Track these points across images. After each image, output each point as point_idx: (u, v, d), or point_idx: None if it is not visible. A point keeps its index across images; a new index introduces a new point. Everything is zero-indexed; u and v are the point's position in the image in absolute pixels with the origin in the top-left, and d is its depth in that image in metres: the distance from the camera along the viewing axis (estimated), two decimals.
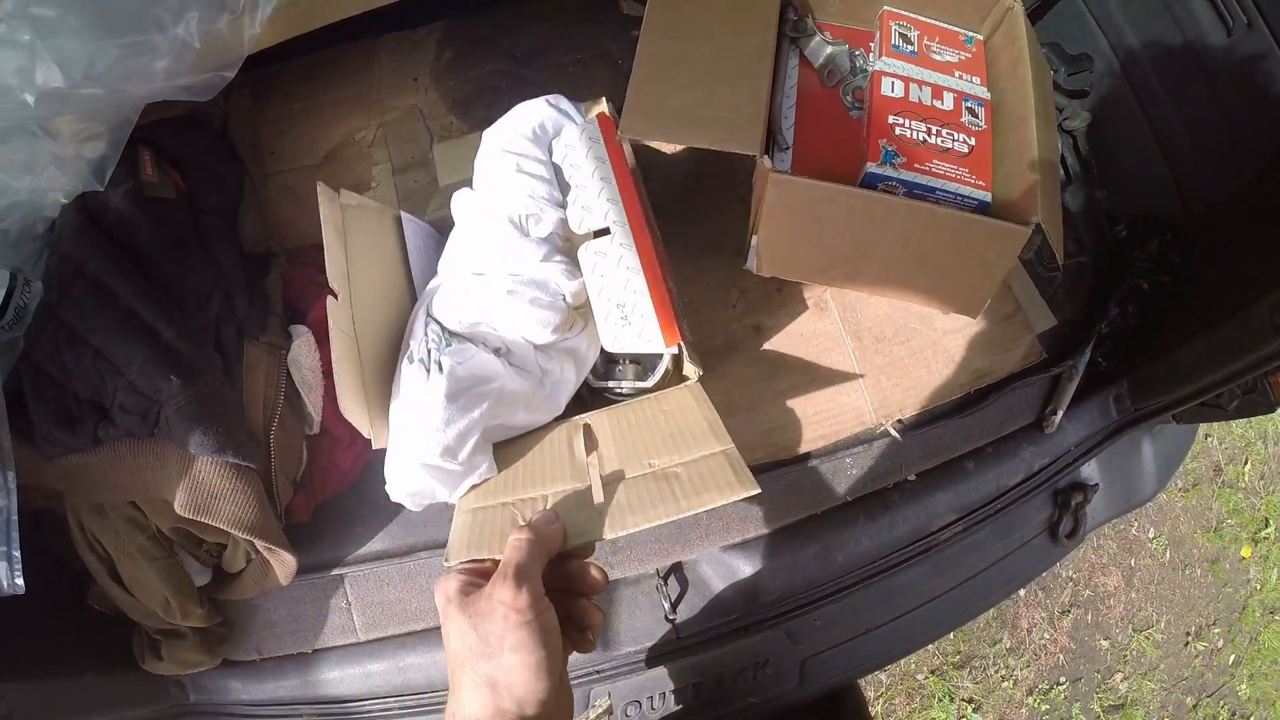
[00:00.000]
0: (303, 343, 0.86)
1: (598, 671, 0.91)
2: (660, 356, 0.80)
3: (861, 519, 0.90)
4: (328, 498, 0.91)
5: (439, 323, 0.73)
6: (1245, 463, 1.92)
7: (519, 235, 0.72)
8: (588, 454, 0.69)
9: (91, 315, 0.82)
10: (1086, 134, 1.03)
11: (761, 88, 0.78)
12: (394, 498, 0.72)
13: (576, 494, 0.65)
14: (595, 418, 0.76)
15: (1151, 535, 1.84)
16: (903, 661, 1.67)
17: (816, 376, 0.91)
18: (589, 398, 0.83)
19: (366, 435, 0.70)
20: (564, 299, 0.73)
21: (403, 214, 0.80)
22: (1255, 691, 1.80)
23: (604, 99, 0.91)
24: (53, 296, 0.84)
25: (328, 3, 0.88)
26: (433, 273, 0.81)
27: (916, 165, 0.81)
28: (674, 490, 0.62)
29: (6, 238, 0.86)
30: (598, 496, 0.63)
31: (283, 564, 0.86)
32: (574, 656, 0.87)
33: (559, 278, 0.72)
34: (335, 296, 0.72)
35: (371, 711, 0.93)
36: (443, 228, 0.87)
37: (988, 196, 0.81)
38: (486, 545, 0.62)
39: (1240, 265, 0.89)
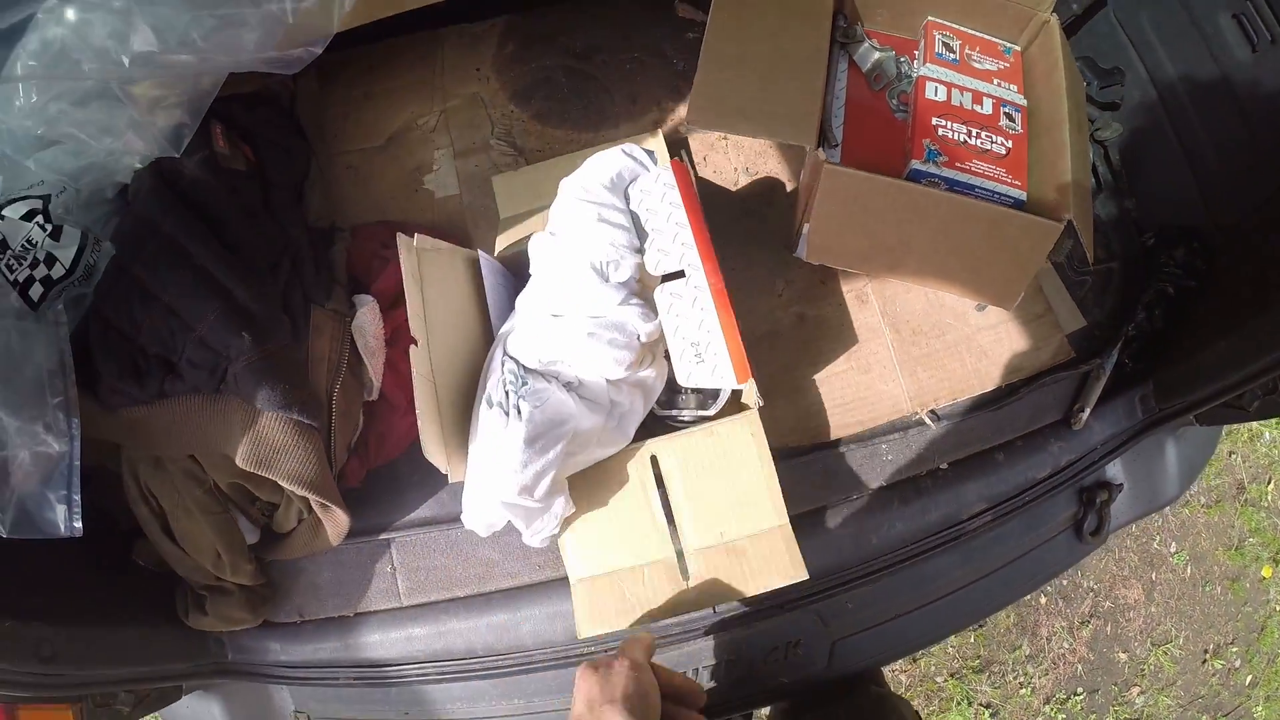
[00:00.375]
0: (367, 311, 0.90)
1: None
2: (720, 389, 0.86)
3: (895, 503, 0.93)
4: (381, 463, 0.94)
5: (516, 360, 0.78)
6: (1269, 483, 1.94)
7: (600, 281, 0.77)
8: (662, 502, 0.82)
9: (165, 273, 0.85)
10: (1117, 145, 1.07)
11: (816, 86, 0.83)
12: (468, 526, 0.79)
13: (666, 567, 0.80)
14: (661, 448, 0.83)
15: (1173, 550, 1.85)
16: (922, 663, 1.68)
17: (856, 365, 0.94)
18: (651, 424, 0.88)
19: (444, 472, 0.75)
20: (639, 338, 0.78)
21: (480, 253, 0.84)
22: (1270, 714, 1.80)
23: (660, 133, 0.98)
24: (125, 254, 0.88)
25: None
26: (508, 310, 0.85)
27: (957, 164, 0.85)
28: (743, 570, 0.79)
29: (79, 198, 0.90)
30: (684, 573, 0.80)
31: (335, 523, 0.89)
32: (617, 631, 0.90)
33: (635, 320, 0.77)
34: (415, 344, 0.77)
35: (409, 676, 0.95)
36: (510, 265, 0.92)
37: (1023, 195, 0.85)
38: (608, 620, 0.80)
39: (1262, 271, 0.93)
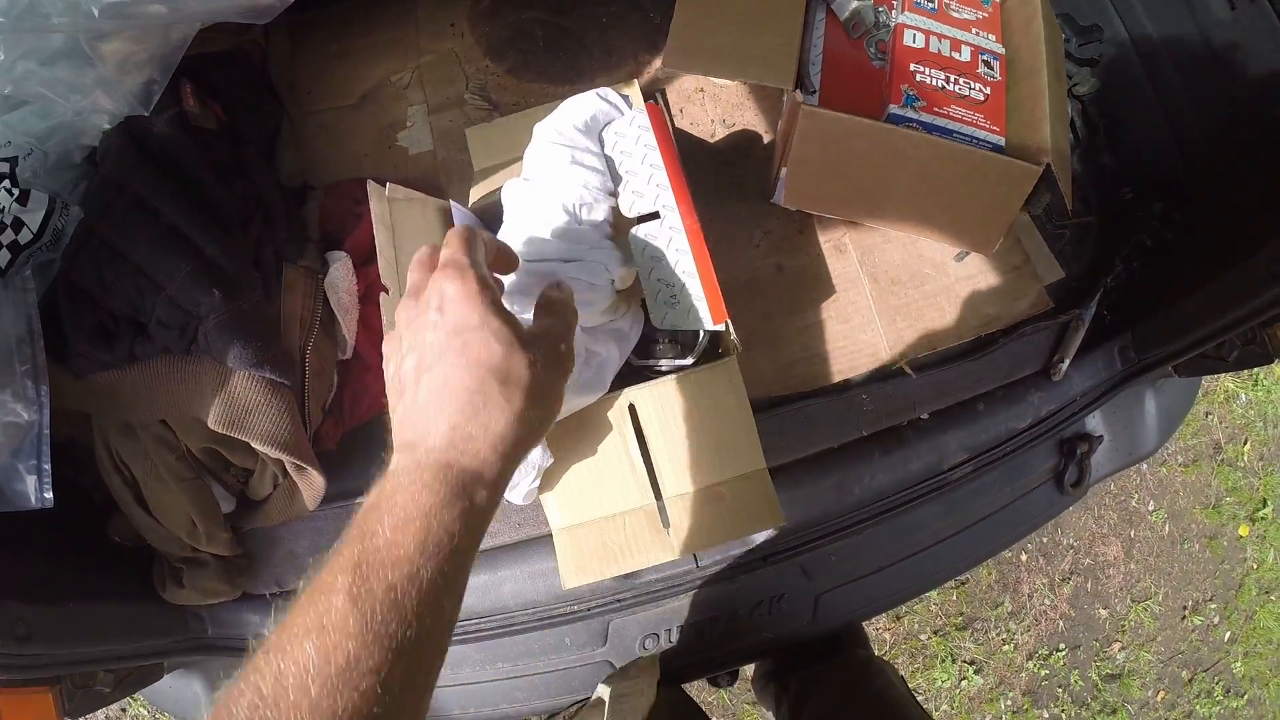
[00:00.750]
0: (340, 267, 0.88)
1: (618, 601, 0.93)
2: (698, 334, 0.85)
3: (877, 453, 0.92)
4: (356, 424, 0.92)
5: None
6: (1245, 442, 1.97)
7: (574, 223, 0.76)
8: (640, 451, 0.81)
9: (133, 232, 0.83)
10: (1095, 101, 1.07)
11: (794, 30, 0.82)
12: None
13: (646, 515, 0.80)
14: (639, 396, 0.82)
15: (1152, 508, 1.88)
16: (906, 621, 1.70)
17: (834, 315, 0.94)
18: (629, 374, 0.86)
19: None
20: (613, 283, 0.76)
21: (452, 203, 0.83)
22: (1249, 669, 1.83)
23: (635, 82, 0.97)
24: (93, 215, 0.86)
25: None
26: None
27: (935, 109, 0.85)
28: (722, 516, 0.80)
29: (46, 160, 0.87)
30: (665, 520, 0.80)
31: (311, 486, 0.87)
32: (593, 587, 0.90)
33: (610, 262, 0.76)
34: (386, 292, 0.75)
35: None
36: (484, 215, 0.89)
37: (1001, 140, 0.85)
38: (591, 569, 0.80)
39: (1240, 221, 0.93)
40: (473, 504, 0.45)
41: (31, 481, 0.82)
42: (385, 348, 0.53)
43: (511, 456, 0.47)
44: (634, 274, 0.77)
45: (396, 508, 0.43)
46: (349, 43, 1.04)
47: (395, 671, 0.37)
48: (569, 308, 0.56)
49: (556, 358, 0.51)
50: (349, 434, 0.93)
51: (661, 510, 0.81)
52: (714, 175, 0.98)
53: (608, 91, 0.79)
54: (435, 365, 0.47)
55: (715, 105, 1.00)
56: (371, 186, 0.76)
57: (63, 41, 0.78)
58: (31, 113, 0.83)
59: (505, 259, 0.59)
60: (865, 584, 0.97)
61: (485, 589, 0.91)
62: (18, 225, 0.84)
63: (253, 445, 0.83)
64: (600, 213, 0.74)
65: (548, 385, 0.49)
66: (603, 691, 0.87)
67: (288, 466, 0.86)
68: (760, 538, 0.91)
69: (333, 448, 0.92)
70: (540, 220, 0.74)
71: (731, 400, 0.80)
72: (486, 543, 0.92)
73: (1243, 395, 1.99)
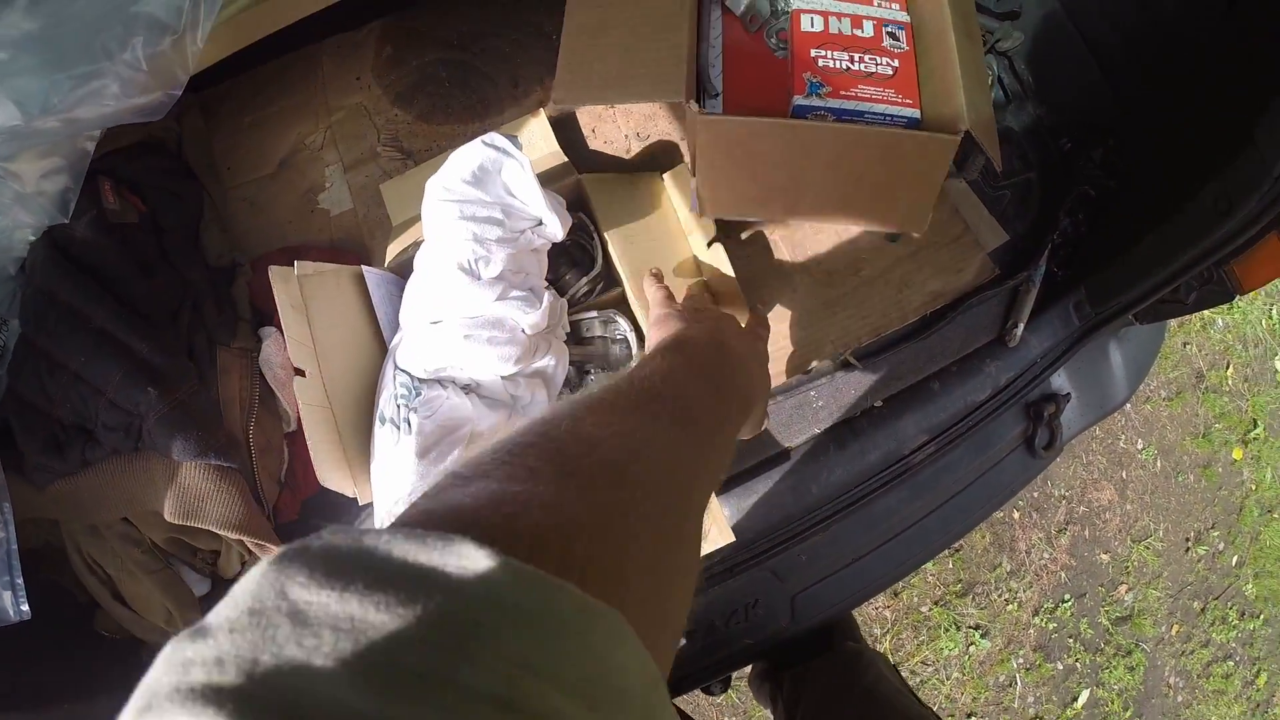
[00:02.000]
0: (271, 343, 0.89)
1: None
2: (629, 364, 0.83)
3: (831, 449, 0.91)
4: (312, 493, 0.94)
5: (406, 372, 0.76)
6: (1227, 367, 1.92)
7: (470, 280, 0.74)
8: None
9: (68, 341, 0.85)
10: (1022, 55, 1.04)
11: (682, 40, 0.80)
12: None
13: None
14: None
15: (1140, 446, 1.83)
16: (904, 596, 1.68)
17: (772, 316, 0.92)
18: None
19: (352, 496, 0.76)
20: (522, 331, 0.76)
21: (365, 269, 0.83)
22: (1261, 590, 1.80)
23: (541, 111, 0.95)
24: (29, 330, 0.87)
25: (265, 14, 0.90)
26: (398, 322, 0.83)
27: (842, 92, 0.82)
28: None
29: None
30: None
31: None
32: None
33: (514, 313, 0.75)
34: (303, 375, 0.75)
35: None
36: (402, 273, 0.89)
37: (916, 113, 0.82)
38: None
39: (1181, 161, 0.90)
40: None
41: (7, 597, 0.84)
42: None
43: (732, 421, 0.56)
44: (546, 318, 0.76)
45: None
46: (261, 111, 1.04)
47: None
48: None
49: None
50: (307, 501, 0.94)
51: None
52: (646, 186, 0.96)
53: (494, 136, 0.78)
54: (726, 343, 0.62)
55: (628, 120, 0.99)
56: (273, 272, 0.76)
57: None
58: None
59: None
60: (841, 577, 0.96)
61: None
62: None
63: (212, 530, 0.85)
64: (498, 264, 0.74)
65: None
66: None
67: (249, 545, 0.88)
68: (721, 551, 0.91)
69: (294, 518, 0.93)
70: (437, 281, 0.74)
71: None
72: None
73: (1219, 320, 1.93)
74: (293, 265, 0.79)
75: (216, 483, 0.83)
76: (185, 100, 1.02)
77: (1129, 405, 1.81)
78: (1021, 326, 0.95)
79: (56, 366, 0.86)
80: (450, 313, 0.73)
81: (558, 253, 0.91)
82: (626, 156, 0.98)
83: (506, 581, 0.21)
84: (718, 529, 0.78)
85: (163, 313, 0.89)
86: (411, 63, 1.03)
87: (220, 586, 0.93)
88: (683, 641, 0.93)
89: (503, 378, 0.75)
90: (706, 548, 0.79)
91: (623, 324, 0.86)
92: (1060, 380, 1.00)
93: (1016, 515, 1.74)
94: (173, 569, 0.89)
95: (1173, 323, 1.85)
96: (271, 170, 1.02)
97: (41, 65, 0.75)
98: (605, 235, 0.85)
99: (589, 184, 0.87)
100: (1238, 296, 0.88)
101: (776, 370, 0.92)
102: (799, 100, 0.82)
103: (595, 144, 0.99)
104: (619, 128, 0.99)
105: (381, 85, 1.02)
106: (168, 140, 1.02)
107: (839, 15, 0.87)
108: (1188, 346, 1.92)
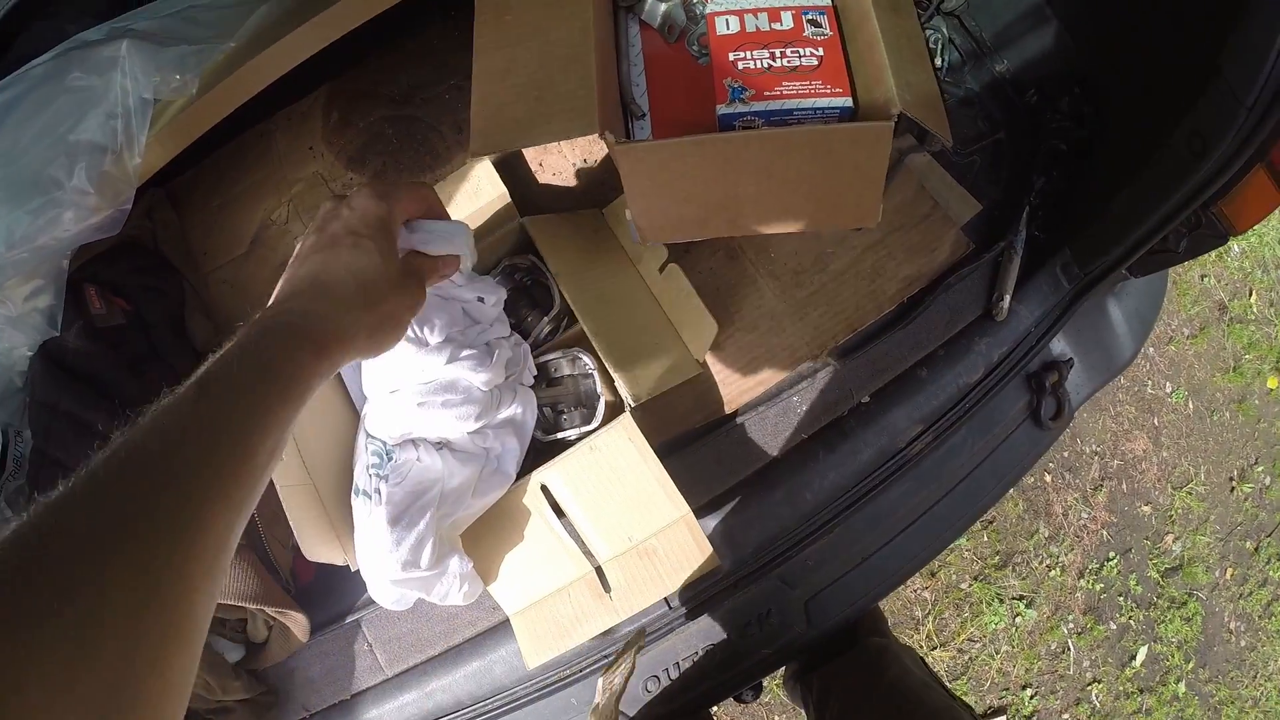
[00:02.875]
0: None
1: (604, 656, 0.94)
2: (598, 399, 0.85)
3: (821, 453, 0.89)
4: None
5: (377, 439, 0.78)
6: (1250, 294, 1.78)
7: (417, 348, 0.75)
8: (565, 526, 0.83)
9: (74, 447, 0.91)
10: (970, 11, 0.97)
11: (588, 69, 0.78)
12: (382, 604, 0.81)
13: (587, 584, 0.82)
14: (548, 476, 0.82)
15: (1169, 390, 1.72)
16: (941, 575, 1.62)
17: (742, 325, 0.91)
18: (545, 449, 0.87)
19: (342, 565, 0.80)
20: (478, 389, 0.76)
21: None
22: None
23: (487, 160, 0.93)
24: (38, 439, 0.93)
25: (203, 110, 0.92)
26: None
27: (765, 93, 0.79)
28: (658, 569, 0.81)
29: None
30: (606, 585, 0.82)
31: (297, 624, 0.93)
32: (578, 649, 0.91)
33: (466, 374, 0.76)
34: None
35: None
36: None
37: (848, 101, 0.79)
38: (549, 646, 0.83)
39: (1150, 104, 0.83)
40: (292, 357, 0.47)
41: None
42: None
43: (341, 347, 0.51)
44: (501, 372, 0.77)
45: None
46: (227, 193, 1.08)
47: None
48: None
49: (407, 291, 0.56)
50: (323, 564, 0.97)
51: (601, 577, 0.81)
52: (589, 221, 0.95)
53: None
54: (316, 249, 0.53)
55: (571, 149, 0.98)
56: None
57: None
58: None
59: (427, 203, 0.62)
60: (854, 577, 0.94)
61: (480, 674, 0.95)
62: None
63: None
64: (442, 329, 0.74)
65: (397, 312, 0.55)
66: (600, 688, 0.87)
67: (269, 613, 0.92)
68: (724, 565, 0.90)
69: (311, 580, 0.97)
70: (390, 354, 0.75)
71: (635, 456, 0.79)
72: (470, 631, 0.95)
73: (1235, 247, 1.79)
74: None
75: None
76: (154, 195, 1.08)
77: (1152, 348, 1.70)
78: (1008, 298, 0.91)
79: (68, 471, 0.91)
80: (404, 381, 0.74)
81: (518, 295, 0.91)
82: (574, 186, 0.97)
83: None
84: (700, 551, 0.78)
85: None
86: (359, 124, 1.05)
87: (254, 650, 0.98)
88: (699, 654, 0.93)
89: (469, 433, 0.76)
90: (693, 572, 0.78)
91: (587, 360, 0.86)
92: (1061, 346, 0.95)
93: (1048, 478, 1.66)
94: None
95: (1167, 274, 1.72)
96: (244, 250, 1.06)
97: None
98: (554, 274, 0.85)
99: (532, 226, 0.87)
100: (1231, 238, 0.81)
101: (755, 380, 0.90)
102: (722, 109, 0.80)
103: (544, 177, 0.99)
104: (565, 157, 0.98)
105: (333, 151, 1.05)
106: (142, 237, 1.07)
107: (755, 11, 0.84)
108: (1205, 279, 1.80)
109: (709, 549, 0.79)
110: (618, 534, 0.80)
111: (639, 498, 0.80)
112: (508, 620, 0.94)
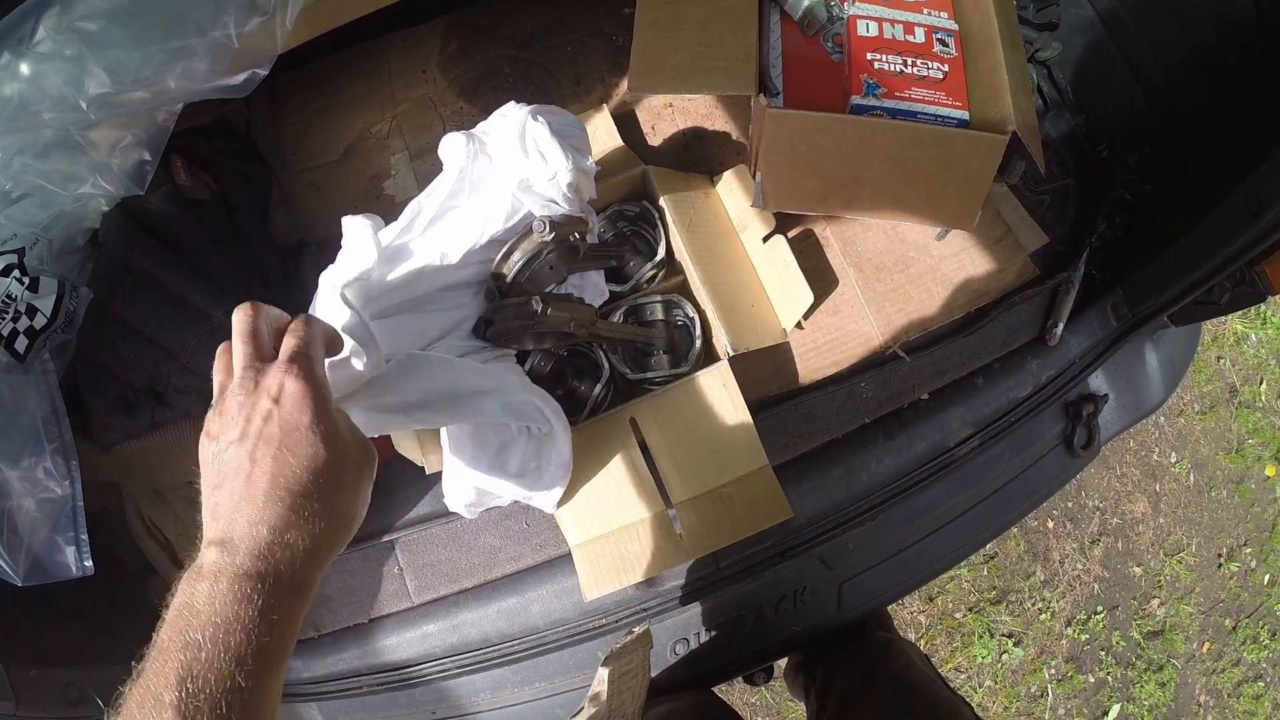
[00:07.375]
0: None
1: (643, 610, 0.94)
2: (692, 344, 0.88)
3: (880, 439, 0.94)
4: (386, 458, 0.95)
5: None
6: (1261, 383, 1.94)
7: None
8: (646, 462, 0.84)
9: (143, 306, 0.88)
10: (1059, 64, 1.08)
11: (751, 38, 0.85)
12: (450, 507, 0.83)
13: (657, 522, 0.83)
14: (639, 410, 0.85)
15: (1174, 460, 1.85)
16: (939, 601, 1.69)
17: (824, 308, 0.96)
18: (629, 389, 0.89)
19: (420, 464, 0.83)
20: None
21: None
22: None
23: (605, 107, 1.00)
24: (103, 294, 0.90)
25: (349, 1, 0.94)
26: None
27: (897, 94, 0.87)
28: (731, 516, 0.82)
29: (51, 248, 0.92)
30: (678, 526, 0.82)
31: None
32: (618, 598, 0.91)
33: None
34: None
35: (429, 675, 0.96)
36: None
37: (965, 115, 0.86)
38: (609, 580, 0.83)
39: (1214, 165, 0.94)
40: (289, 614, 0.46)
41: (71, 552, 0.86)
42: (208, 424, 0.51)
43: (325, 562, 0.48)
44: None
45: (217, 617, 0.44)
46: (327, 100, 1.08)
47: None
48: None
49: (368, 459, 0.53)
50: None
51: (672, 516, 0.83)
52: (701, 184, 1.00)
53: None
54: (262, 460, 0.46)
55: (685, 118, 1.03)
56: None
57: (55, 134, 0.83)
58: (32, 204, 0.88)
59: (333, 345, 0.58)
60: (886, 568, 0.98)
61: (515, 612, 0.94)
62: (32, 312, 0.88)
63: None
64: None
65: (363, 488, 0.52)
66: (602, 676, 0.87)
67: None
68: (775, 533, 0.92)
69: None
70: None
71: (727, 403, 0.82)
72: (511, 567, 0.94)
73: (1252, 335, 1.96)
74: None
75: None
76: (255, 88, 1.07)
77: (1163, 417, 1.83)
78: (1061, 326, 0.98)
79: (131, 331, 0.88)
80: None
81: (621, 241, 0.94)
82: (685, 152, 1.02)
83: None
84: (776, 504, 0.80)
85: (234, 285, 0.91)
86: (476, 58, 1.07)
87: None
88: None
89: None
90: (765, 522, 0.81)
91: (686, 307, 0.89)
92: (1098, 382, 1.03)
93: (1051, 524, 1.76)
94: None
95: (1206, 337, 1.87)
96: (336, 157, 1.06)
97: (132, 39, 0.79)
98: (670, 224, 0.89)
99: (655, 175, 0.91)
100: (1270, 297, 0.92)
101: (830, 360, 0.95)
102: (857, 100, 0.87)
103: (654, 139, 1.03)
104: (676, 124, 1.03)
105: (447, 79, 1.07)
106: (236, 123, 1.06)
107: (892, 21, 0.92)
108: (1221, 360, 1.95)
109: (785, 504, 0.81)
110: (697, 477, 0.82)
111: (723, 445, 0.83)
112: (552, 561, 0.94)
